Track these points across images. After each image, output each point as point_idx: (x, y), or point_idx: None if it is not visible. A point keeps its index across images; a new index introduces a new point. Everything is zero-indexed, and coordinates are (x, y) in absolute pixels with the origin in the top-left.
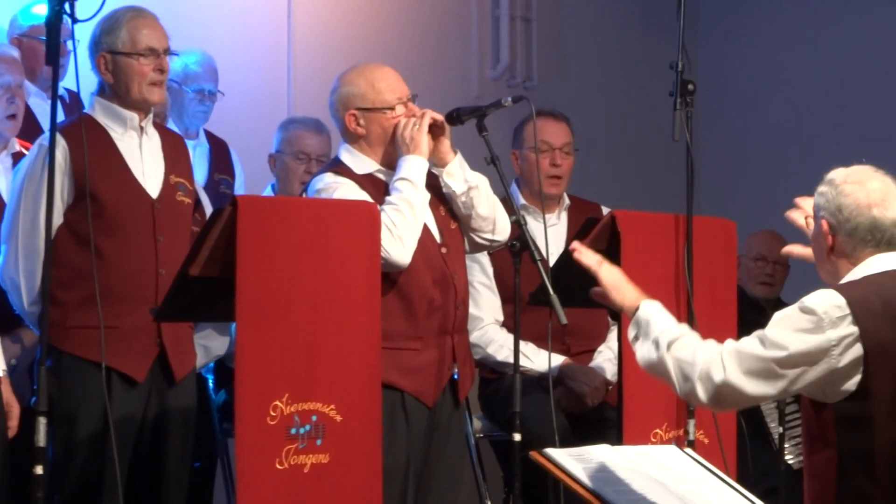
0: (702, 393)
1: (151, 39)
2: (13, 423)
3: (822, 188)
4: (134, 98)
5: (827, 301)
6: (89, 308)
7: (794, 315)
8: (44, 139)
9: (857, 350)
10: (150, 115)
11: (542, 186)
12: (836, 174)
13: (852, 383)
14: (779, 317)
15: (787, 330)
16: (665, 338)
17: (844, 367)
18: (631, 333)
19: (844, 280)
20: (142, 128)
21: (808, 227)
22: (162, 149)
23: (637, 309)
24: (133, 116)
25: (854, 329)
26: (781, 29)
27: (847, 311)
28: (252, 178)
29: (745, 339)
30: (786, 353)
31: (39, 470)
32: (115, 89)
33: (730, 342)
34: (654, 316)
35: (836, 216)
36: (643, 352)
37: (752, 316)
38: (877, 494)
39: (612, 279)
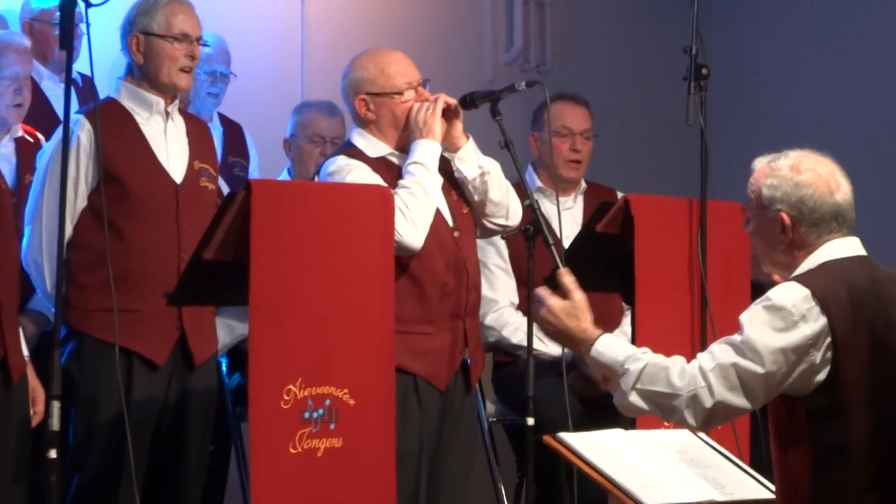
0: (692, 420)
1: (186, 25)
2: (39, 408)
3: (769, 181)
4: (163, 81)
5: (793, 294)
6: (111, 291)
7: (762, 314)
8: (72, 122)
9: (828, 340)
10: (177, 101)
11: (556, 170)
12: (781, 163)
13: (823, 374)
14: (747, 318)
15: (761, 332)
16: (627, 380)
17: (820, 359)
18: (597, 374)
19: (800, 270)
20: (167, 113)
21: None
22: (187, 134)
23: (592, 346)
24: (159, 101)
25: (823, 319)
26: (795, 12)
27: (813, 302)
28: (266, 162)
29: (718, 351)
30: (765, 357)
31: (53, 454)
32: (144, 71)
33: (704, 357)
34: (609, 354)
35: (798, 208)
36: (616, 397)
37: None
38: (854, 486)
39: (574, 308)
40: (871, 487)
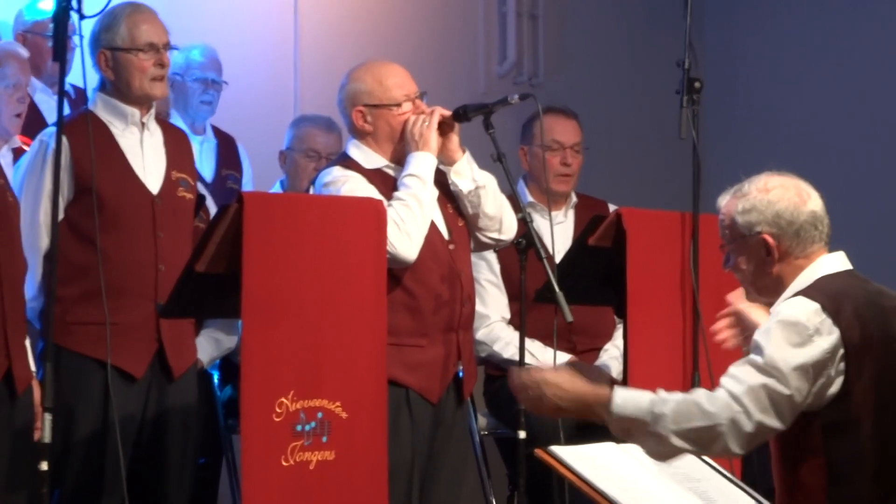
0: (736, 447)
1: (150, 34)
2: (40, 423)
3: (741, 207)
4: (136, 94)
5: (804, 308)
6: (89, 304)
7: (777, 331)
8: (44, 135)
9: (841, 352)
10: (153, 111)
11: (549, 184)
12: (747, 188)
13: (836, 386)
14: (764, 338)
15: (781, 351)
16: (664, 425)
17: (834, 372)
18: (618, 429)
19: (794, 286)
20: (143, 123)
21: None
22: (164, 144)
23: (611, 401)
24: (134, 112)
25: (836, 331)
26: (788, 26)
27: (824, 314)
28: (259, 174)
29: (742, 374)
30: (789, 377)
31: (45, 466)
32: (117, 85)
33: (729, 382)
34: (632, 405)
35: (777, 224)
36: (648, 447)
37: None
38: (871, 497)
39: (570, 374)
40: (888, 498)
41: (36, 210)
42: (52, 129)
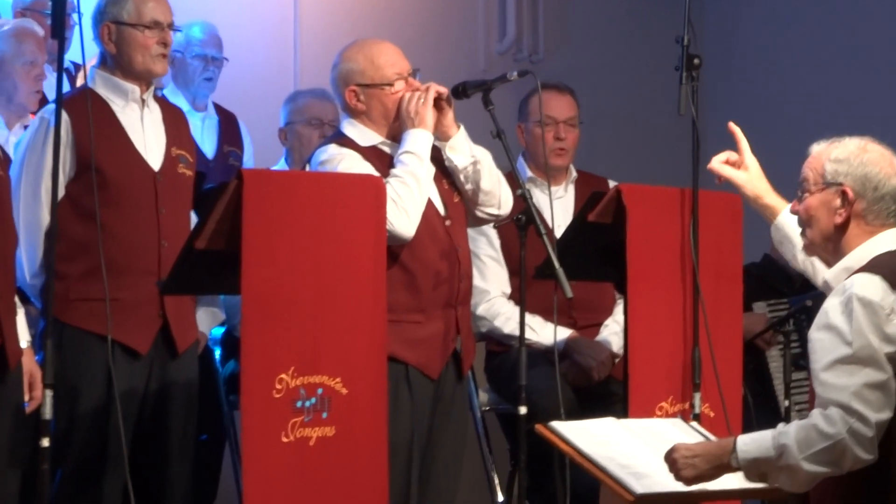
0: (865, 454)
1: (157, 12)
2: (37, 393)
3: (835, 155)
4: (137, 69)
5: (875, 287)
6: (91, 280)
7: (858, 313)
8: (45, 112)
9: None
10: (152, 88)
11: (547, 160)
12: (847, 142)
13: None
14: (838, 322)
15: (863, 334)
16: (793, 455)
17: None
18: (753, 476)
19: (855, 255)
20: (143, 100)
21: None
22: (163, 121)
23: (735, 448)
24: (134, 89)
25: None
26: (786, 4)
27: (888, 285)
28: (259, 151)
29: (839, 380)
30: (880, 358)
31: (46, 442)
32: (118, 60)
33: (832, 392)
34: (754, 445)
35: (862, 183)
36: (784, 482)
37: (777, 283)
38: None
39: (696, 442)
40: None
41: (37, 187)
42: (52, 107)
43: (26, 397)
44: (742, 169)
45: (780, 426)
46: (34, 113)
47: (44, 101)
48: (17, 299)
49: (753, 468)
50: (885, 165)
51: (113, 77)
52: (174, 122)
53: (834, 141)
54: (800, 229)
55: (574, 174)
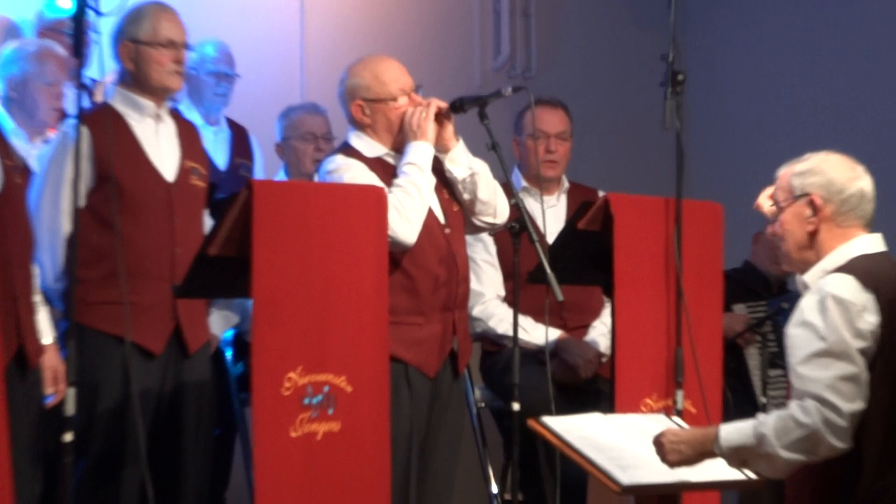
0: (840, 442)
1: (172, 32)
2: (61, 386)
3: (799, 169)
4: (154, 85)
5: (848, 286)
6: (109, 285)
7: (831, 310)
8: (67, 126)
9: (879, 329)
10: (167, 103)
11: (539, 171)
12: (808, 157)
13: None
14: (815, 318)
15: (836, 330)
16: (771, 443)
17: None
18: (734, 462)
19: (831, 258)
20: (158, 115)
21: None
22: (177, 135)
23: (718, 436)
24: (149, 104)
25: (878, 307)
26: (766, 22)
27: (867, 293)
28: (269, 164)
29: (814, 373)
30: (852, 352)
31: (69, 437)
32: (136, 77)
33: (808, 384)
34: (736, 434)
35: (827, 189)
36: (762, 469)
37: (756, 286)
38: (872, 455)
39: (682, 428)
40: (890, 460)
41: (58, 197)
42: (73, 121)
43: (49, 391)
44: None
45: (760, 416)
46: (54, 128)
47: (64, 116)
48: (39, 299)
49: (735, 455)
50: (847, 170)
51: (130, 93)
52: (188, 136)
53: (797, 160)
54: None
55: (566, 185)
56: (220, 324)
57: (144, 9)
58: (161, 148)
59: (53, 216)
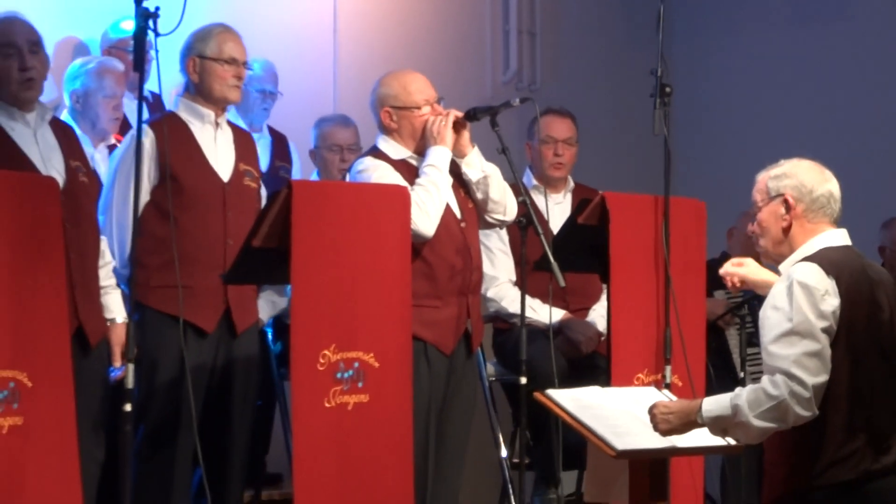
0: (806, 411)
1: (235, 51)
2: (118, 363)
3: (774, 173)
4: (216, 97)
5: (813, 273)
6: (168, 270)
7: (797, 294)
8: (134, 131)
9: (839, 312)
10: (226, 114)
11: (545, 171)
12: (781, 162)
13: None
14: (783, 302)
15: (801, 311)
16: (744, 412)
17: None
18: (716, 431)
19: (802, 251)
20: (217, 123)
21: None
22: (234, 142)
23: (701, 407)
24: (210, 113)
25: (838, 292)
26: (743, 41)
27: (829, 279)
28: (305, 166)
29: (782, 350)
30: (815, 331)
31: (128, 407)
32: (199, 89)
33: (778, 360)
34: (716, 404)
35: (799, 189)
36: (739, 436)
37: None
38: (838, 424)
39: (670, 400)
40: (854, 427)
41: (127, 192)
42: (143, 126)
43: (118, 364)
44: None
45: (737, 390)
46: (119, 135)
47: (124, 124)
48: (113, 282)
49: (715, 424)
50: (817, 173)
51: (194, 103)
52: (244, 143)
53: (772, 165)
54: (760, 243)
55: (572, 184)
56: (265, 308)
57: (212, 29)
58: (218, 152)
59: (123, 210)
